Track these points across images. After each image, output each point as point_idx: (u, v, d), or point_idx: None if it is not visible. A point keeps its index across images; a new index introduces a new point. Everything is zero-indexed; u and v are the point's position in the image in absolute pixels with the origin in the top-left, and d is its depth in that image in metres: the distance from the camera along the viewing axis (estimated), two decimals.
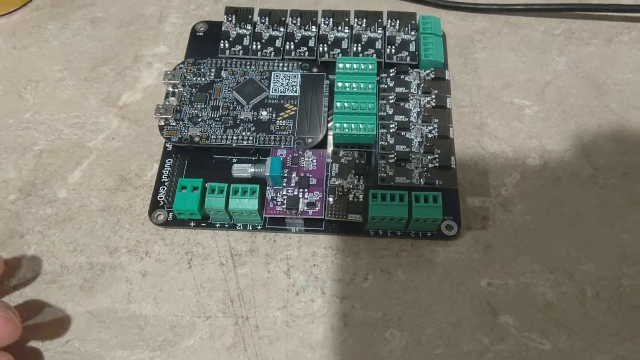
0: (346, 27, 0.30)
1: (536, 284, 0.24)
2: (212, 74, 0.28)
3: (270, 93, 0.27)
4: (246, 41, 0.29)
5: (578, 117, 0.28)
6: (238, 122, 0.26)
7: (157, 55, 0.31)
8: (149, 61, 0.31)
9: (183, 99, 0.27)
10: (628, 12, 0.31)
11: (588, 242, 0.25)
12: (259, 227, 0.25)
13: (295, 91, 0.27)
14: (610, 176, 0.26)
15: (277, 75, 0.28)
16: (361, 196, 0.24)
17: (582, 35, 0.31)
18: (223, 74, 0.28)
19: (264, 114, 0.27)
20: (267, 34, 0.29)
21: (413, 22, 0.29)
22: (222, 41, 0.29)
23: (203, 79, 0.28)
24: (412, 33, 0.29)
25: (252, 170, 0.25)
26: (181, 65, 0.28)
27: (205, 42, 0.31)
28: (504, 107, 0.29)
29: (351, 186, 0.25)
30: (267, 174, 0.24)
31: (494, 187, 0.26)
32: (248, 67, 0.28)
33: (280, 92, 0.27)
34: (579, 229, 0.25)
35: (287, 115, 0.27)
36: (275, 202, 0.24)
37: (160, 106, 0.26)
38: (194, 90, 0.28)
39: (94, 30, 0.32)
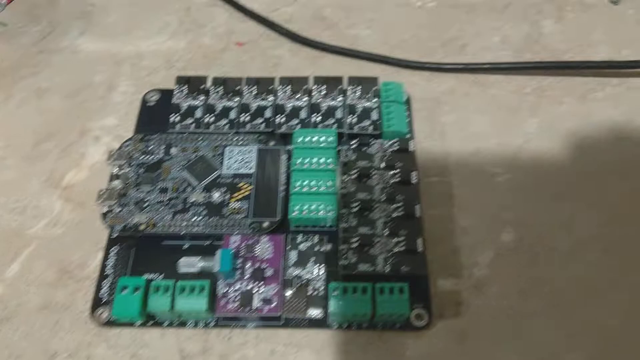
0: (305, 95, 0.28)
1: None
2: (162, 151, 0.26)
3: (223, 171, 0.25)
4: (199, 113, 0.28)
5: (553, 184, 0.27)
6: (188, 206, 0.24)
7: (105, 128, 0.29)
8: (96, 135, 0.29)
9: (129, 180, 0.25)
10: (602, 69, 0.30)
11: (573, 325, 0.23)
12: (212, 324, 0.23)
13: (251, 168, 0.25)
14: (591, 250, 0.24)
15: (231, 151, 0.26)
16: (322, 288, 0.22)
17: (554, 93, 0.30)
18: (173, 150, 0.26)
19: (216, 196, 0.25)
20: (221, 105, 0.28)
21: (375, 88, 0.28)
22: (172, 114, 0.27)
23: (151, 157, 0.26)
24: (374, 100, 0.27)
25: (200, 265, 0.23)
26: (128, 143, 0.26)
27: (156, 112, 0.29)
28: (474, 176, 0.27)
29: (310, 277, 0.23)
30: (216, 270, 0.22)
31: (467, 268, 0.24)
32: (200, 142, 0.26)
33: (234, 170, 0.25)
34: (560, 311, 0.23)
35: (241, 195, 0.25)
36: (227, 299, 0.22)
37: (102, 191, 0.24)
38: (141, 170, 0.26)
39: (39, 102, 0.30)
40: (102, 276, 0.24)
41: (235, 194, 0.25)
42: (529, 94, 0.30)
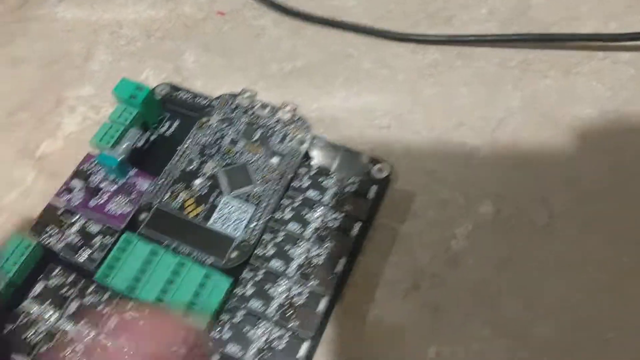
0: None
1: (487, 350, 0.22)
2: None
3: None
4: None
5: (533, 159, 0.26)
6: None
7: (82, 98, 0.29)
8: (72, 104, 0.28)
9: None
10: (587, 41, 0.29)
11: (545, 300, 0.23)
12: None
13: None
14: (567, 225, 0.24)
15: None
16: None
17: (539, 66, 0.29)
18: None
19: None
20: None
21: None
22: None
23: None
24: None
25: None
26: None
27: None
28: (456, 149, 0.27)
29: None
30: None
31: (445, 240, 0.24)
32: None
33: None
34: (532, 285, 0.23)
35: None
36: None
37: None
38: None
39: (14, 71, 0.30)
40: None
41: None
42: (513, 67, 0.29)
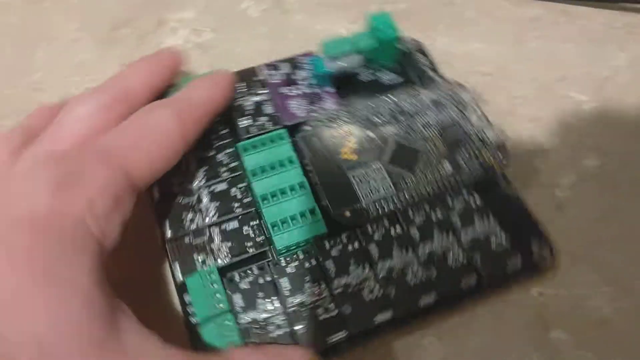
0: None
1: (591, 296, 0.21)
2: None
3: None
4: None
5: (638, 117, 0.26)
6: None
7: (183, 21, 0.29)
8: (174, 26, 0.28)
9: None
10: None
11: None
12: None
13: None
14: None
15: None
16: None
17: None
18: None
19: None
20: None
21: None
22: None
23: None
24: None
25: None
26: None
27: None
28: (560, 101, 0.26)
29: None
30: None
31: (549, 188, 0.24)
32: None
33: None
34: (637, 240, 0.23)
35: None
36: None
37: None
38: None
39: None
40: None
41: None
42: (619, 29, 0.29)
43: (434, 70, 0.26)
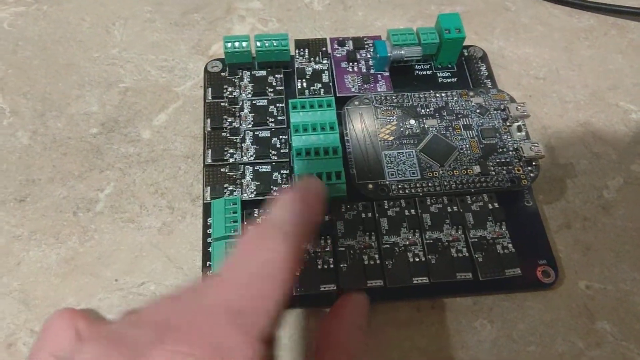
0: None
1: (636, 292, 0.23)
2: None
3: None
4: None
5: None
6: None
7: (251, 10, 0.30)
8: (242, 14, 0.30)
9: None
10: None
11: None
12: None
13: None
14: None
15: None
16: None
17: None
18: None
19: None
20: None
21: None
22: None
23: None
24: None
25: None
26: None
27: None
28: (609, 109, 0.27)
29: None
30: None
31: (597, 189, 0.25)
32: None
33: None
34: None
35: None
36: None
37: None
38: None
39: None
40: None
41: None
42: None
43: (491, 78, 0.27)
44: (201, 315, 0.14)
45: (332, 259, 0.21)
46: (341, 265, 0.21)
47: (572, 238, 0.24)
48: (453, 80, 0.27)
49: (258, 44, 0.25)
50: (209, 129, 0.24)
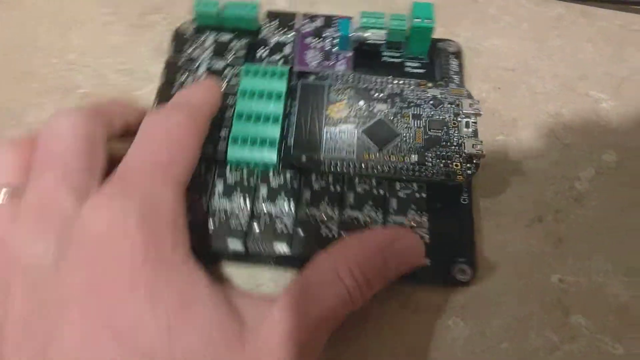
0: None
1: (610, 284, 0.22)
2: None
3: None
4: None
5: None
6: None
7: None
8: None
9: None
10: None
11: None
12: None
13: None
14: None
15: None
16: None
17: None
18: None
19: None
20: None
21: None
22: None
23: None
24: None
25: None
26: None
27: None
28: (580, 99, 0.27)
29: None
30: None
31: (568, 180, 0.25)
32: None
33: None
34: None
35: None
36: None
37: None
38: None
39: None
40: None
41: None
42: (636, 31, 0.29)
43: (458, 74, 0.27)
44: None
45: (246, 221, 0.22)
46: (255, 226, 0.22)
47: (544, 231, 0.23)
48: (421, 71, 0.27)
49: (227, 10, 0.26)
50: (162, 82, 0.25)
